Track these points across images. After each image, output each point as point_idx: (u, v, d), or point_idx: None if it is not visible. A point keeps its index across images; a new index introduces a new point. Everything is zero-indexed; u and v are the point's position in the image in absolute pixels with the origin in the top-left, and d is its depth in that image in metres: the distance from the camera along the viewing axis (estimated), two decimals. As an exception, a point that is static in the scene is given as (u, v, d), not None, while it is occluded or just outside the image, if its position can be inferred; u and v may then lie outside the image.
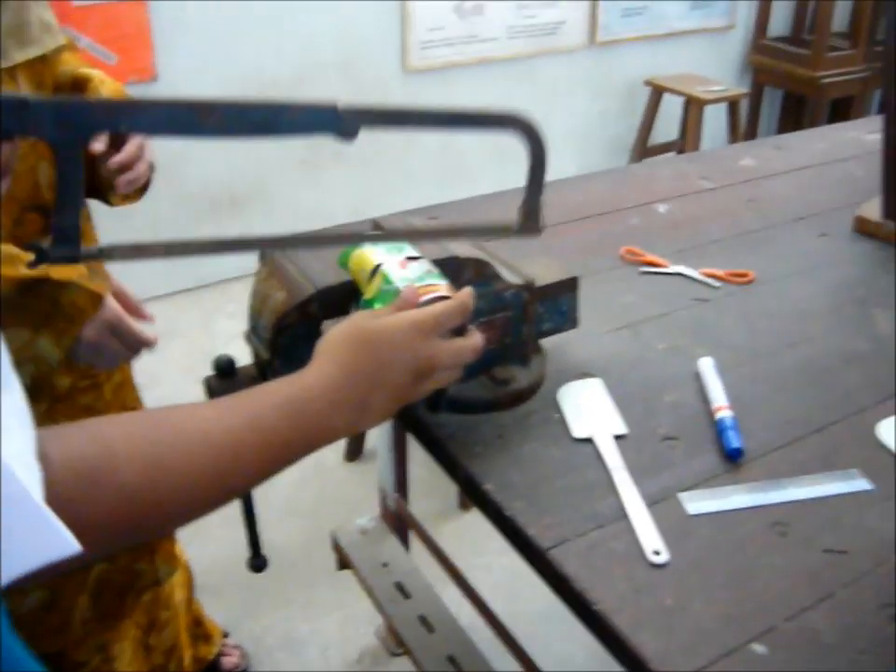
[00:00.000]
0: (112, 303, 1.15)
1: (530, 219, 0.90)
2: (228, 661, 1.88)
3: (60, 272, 1.09)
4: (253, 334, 0.99)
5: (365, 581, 1.75)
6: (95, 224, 1.38)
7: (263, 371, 0.96)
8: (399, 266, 0.92)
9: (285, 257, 0.99)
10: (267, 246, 1.00)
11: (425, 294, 0.88)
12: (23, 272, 1.05)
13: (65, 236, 0.66)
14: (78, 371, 1.28)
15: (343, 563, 1.86)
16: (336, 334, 0.82)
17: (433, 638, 1.62)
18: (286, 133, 0.75)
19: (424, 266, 0.93)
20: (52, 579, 1.34)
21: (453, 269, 0.98)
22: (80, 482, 0.61)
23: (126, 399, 1.40)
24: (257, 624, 2.05)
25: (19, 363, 0.51)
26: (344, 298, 0.94)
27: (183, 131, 0.70)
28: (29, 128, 0.60)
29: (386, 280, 0.91)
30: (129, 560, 1.44)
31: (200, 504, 0.70)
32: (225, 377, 0.95)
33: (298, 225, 1.88)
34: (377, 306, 0.91)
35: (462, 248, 1.02)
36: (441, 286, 0.90)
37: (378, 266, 0.92)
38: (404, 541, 1.90)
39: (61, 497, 0.56)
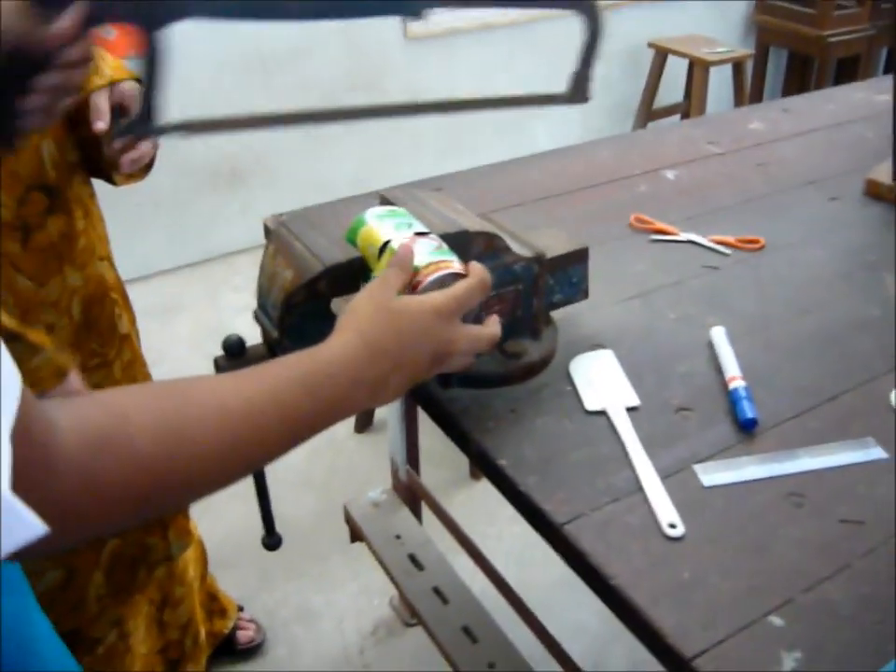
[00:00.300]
0: (74, 380, 1.13)
1: (579, 89, 0.97)
2: (243, 635, 1.89)
3: (36, 335, 1.07)
4: (261, 312, 0.99)
5: (378, 553, 1.76)
6: (98, 195, 1.37)
7: (273, 349, 0.96)
8: (409, 242, 0.91)
9: (291, 234, 0.98)
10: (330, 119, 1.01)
11: (436, 271, 0.87)
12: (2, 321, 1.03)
13: (148, 114, 0.76)
14: (88, 350, 1.28)
15: (356, 535, 1.87)
16: (362, 308, 0.82)
17: (447, 610, 1.63)
18: (357, 14, 0.84)
19: (433, 242, 0.92)
20: (67, 557, 1.35)
21: (462, 243, 0.97)
22: (92, 449, 0.59)
23: (136, 376, 1.40)
24: (271, 598, 2.06)
25: None
26: (353, 275, 0.94)
27: (261, 15, 0.79)
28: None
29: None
30: (140, 534, 1.45)
31: (216, 476, 0.69)
32: (234, 357, 0.95)
33: (300, 196, 1.87)
34: (387, 283, 0.90)
35: (471, 222, 1.01)
36: (453, 262, 0.89)
37: (387, 243, 0.91)
38: (416, 513, 1.91)
39: (72, 464, 0.57)
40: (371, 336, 0.79)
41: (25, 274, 1.17)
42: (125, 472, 0.61)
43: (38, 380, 1.06)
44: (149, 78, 0.81)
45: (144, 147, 1.20)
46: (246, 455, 0.70)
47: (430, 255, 0.89)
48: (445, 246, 0.92)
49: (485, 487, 2.26)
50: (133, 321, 1.40)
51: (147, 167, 1.29)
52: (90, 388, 1.29)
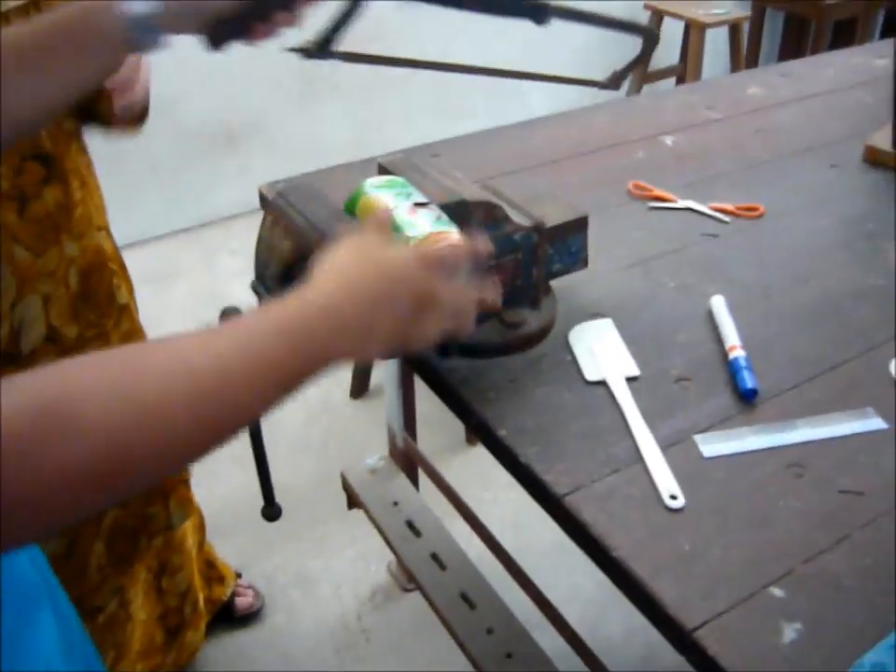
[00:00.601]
0: None
1: (616, 81, 1.24)
2: (242, 601, 1.90)
3: None
4: (259, 283, 0.98)
5: (376, 520, 1.76)
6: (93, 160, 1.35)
7: (272, 321, 0.95)
8: (409, 213, 0.90)
9: (289, 204, 0.97)
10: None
11: (436, 242, 0.86)
12: None
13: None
14: (85, 321, 1.27)
15: (353, 502, 1.88)
16: (342, 254, 0.76)
17: (445, 576, 1.64)
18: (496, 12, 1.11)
19: (433, 212, 0.91)
20: (68, 531, 1.35)
21: (462, 213, 0.96)
22: (35, 431, 0.52)
23: None
24: (269, 563, 2.07)
25: None
26: (353, 246, 0.93)
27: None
28: None
29: (396, 228, 0.89)
30: (141, 504, 1.45)
31: (191, 443, 0.62)
32: (233, 328, 0.94)
33: (297, 160, 1.86)
34: (387, 254, 0.89)
35: (471, 192, 1.00)
36: (452, 233, 0.89)
37: (387, 213, 0.90)
38: (413, 480, 1.91)
39: (12, 453, 0.51)
40: (352, 281, 0.73)
41: (22, 245, 1.16)
42: (79, 451, 0.54)
43: None
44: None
45: (137, 90, 1.19)
46: (222, 416, 0.63)
47: (430, 226, 0.88)
48: (445, 217, 0.92)
49: (481, 452, 2.26)
50: (131, 291, 1.39)
51: (142, 117, 1.27)
52: None
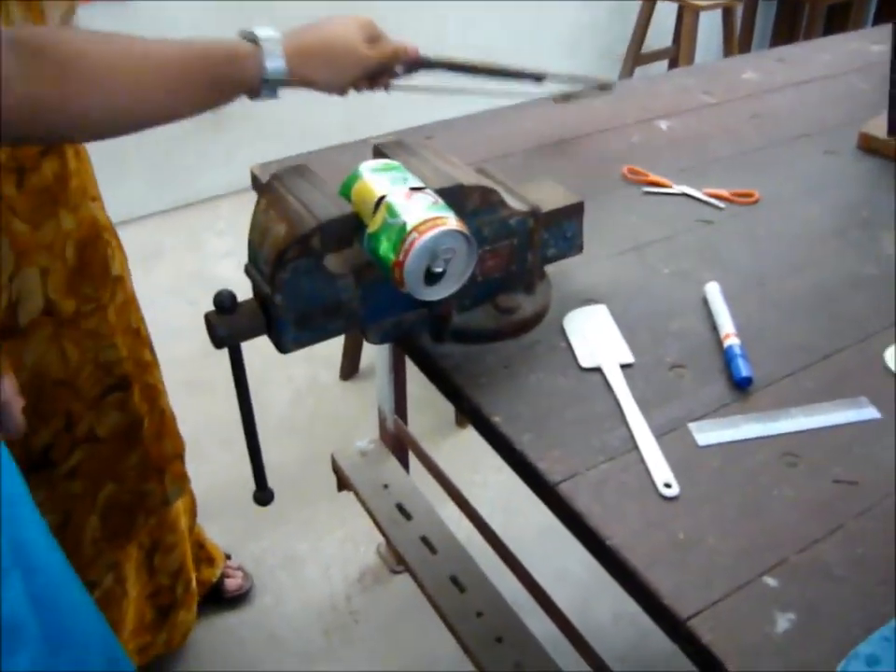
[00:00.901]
0: (5, 385, 1.05)
1: (605, 87, 1.56)
2: (231, 583, 1.90)
3: None
4: (253, 267, 0.97)
5: (366, 503, 1.76)
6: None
7: (265, 305, 0.94)
8: (405, 197, 0.89)
9: (284, 187, 0.96)
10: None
11: (433, 228, 0.86)
12: None
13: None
14: (82, 296, 1.26)
15: (344, 485, 1.87)
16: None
17: (435, 559, 1.64)
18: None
19: (429, 197, 0.90)
20: (63, 502, 1.34)
21: (458, 197, 0.95)
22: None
23: (130, 319, 1.38)
24: (257, 545, 2.07)
25: None
26: (348, 231, 0.92)
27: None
28: None
29: (392, 212, 0.88)
30: (137, 481, 1.45)
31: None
32: (225, 312, 0.93)
33: (288, 143, 1.84)
34: (383, 239, 0.88)
35: (467, 176, 0.99)
36: (449, 218, 0.88)
37: (382, 198, 0.90)
38: (404, 463, 1.91)
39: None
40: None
41: (20, 217, 1.15)
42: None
43: None
44: None
45: None
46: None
47: (426, 210, 0.87)
48: (441, 202, 0.91)
49: (470, 435, 2.27)
50: (124, 262, 1.38)
51: None
52: (84, 335, 1.27)
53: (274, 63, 0.97)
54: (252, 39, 0.97)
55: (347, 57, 1.03)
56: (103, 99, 0.86)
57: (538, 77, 1.42)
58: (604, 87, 1.55)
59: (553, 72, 1.45)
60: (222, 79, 0.95)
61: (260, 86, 0.98)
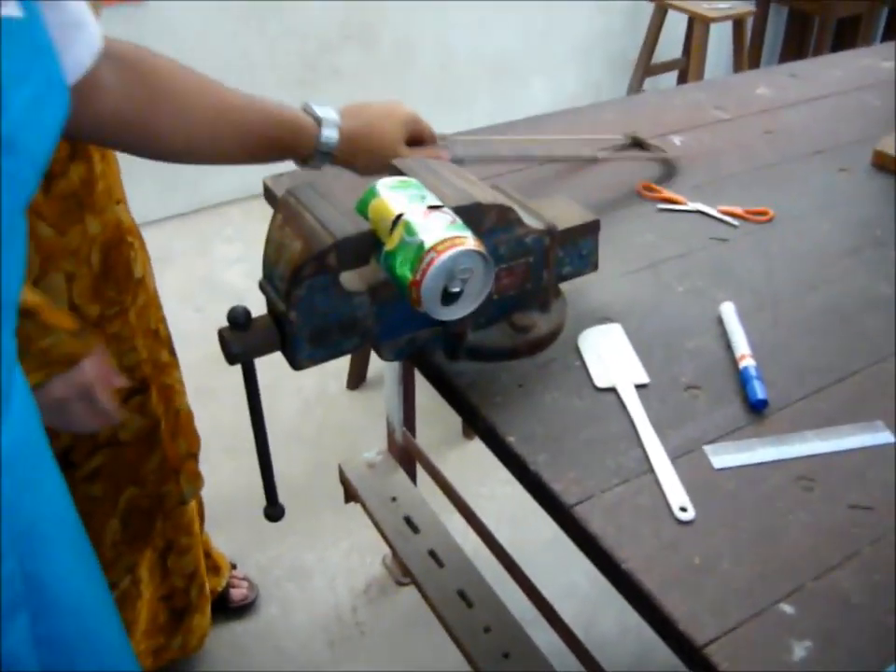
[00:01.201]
0: (88, 368, 1.08)
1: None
2: (237, 593, 1.90)
3: (53, 315, 1.03)
4: (268, 283, 0.96)
5: (373, 515, 1.76)
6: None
7: (279, 321, 0.94)
8: (422, 216, 0.89)
9: (300, 204, 0.96)
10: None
11: (451, 248, 0.85)
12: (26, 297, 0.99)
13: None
14: (106, 300, 1.26)
15: (351, 496, 1.87)
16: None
17: (443, 573, 1.63)
18: None
19: (447, 216, 0.90)
20: (83, 505, 1.34)
21: (475, 215, 0.95)
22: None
23: (150, 320, 1.38)
24: (263, 555, 2.06)
25: None
26: (364, 249, 0.92)
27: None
28: None
29: (409, 231, 0.88)
30: (156, 484, 1.44)
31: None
32: (239, 328, 0.93)
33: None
34: (400, 258, 0.88)
35: (484, 194, 0.99)
36: (467, 237, 0.88)
37: (400, 216, 0.89)
38: (411, 474, 1.91)
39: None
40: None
41: (47, 222, 1.15)
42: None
43: (45, 362, 1.03)
44: None
45: None
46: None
47: (445, 230, 0.87)
48: (459, 221, 0.90)
49: (477, 447, 2.26)
50: (147, 262, 1.38)
51: None
52: (107, 339, 1.27)
53: (330, 142, 1.07)
54: (313, 115, 1.08)
55: (385, 152, 1.10)
56: (186, 130, 0.96)
57: (591, 159, 1.47)
58: (667, 162, 1.54)
59: (607, 155, 1.48)
60: (282, 144, 1.05)
61: (311, 157, 1.08)
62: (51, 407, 1.06)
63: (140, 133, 0.95)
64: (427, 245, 0.86)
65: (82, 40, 0.84)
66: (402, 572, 1.94)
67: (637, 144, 1.55)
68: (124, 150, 1.00)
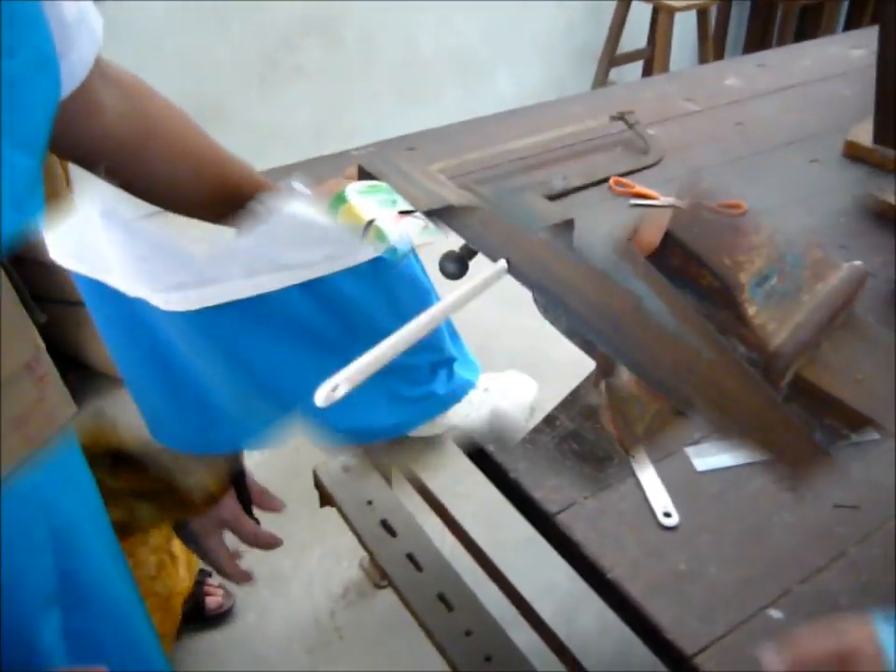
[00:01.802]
0: (229, 503, 1.09)
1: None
2: (212, 601, 1.87)
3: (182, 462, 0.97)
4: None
5: (350, 520, 1.73)
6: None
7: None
8: (394, 222, 0.87)
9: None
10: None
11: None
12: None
13: None
14: None
15: (326, 500, 1.84)
16: None
17: (422, 577, 1.61)
18: None
19: (419, 221, 0.88)
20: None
21: (447, 219, 0.93)
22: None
23: None
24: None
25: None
26: (336, 255, 0.89)
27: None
28: None
29: (381, 236, 0.86)
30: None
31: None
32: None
33: (259, 144, 1.81)
34: (371, 265, 0.86)
35: (456, 195, 0.97)
36: (438, 242, 0.85)
37: (371, 221, 0.87)
38: (386, 476, 1.88)
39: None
40: None
41: None
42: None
43: (186, 506, 1.02)
44: None
45: None
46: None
47: (418, 237, 0.85)
48: (432, 226, 0.88)
49: (452, 445, 2.24)
50: None
51: None
52: None
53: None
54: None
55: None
56: (169, 175, 0.93)
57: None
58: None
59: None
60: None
61: None
62: (195, 543, 1.12)
63: (134, 164, 0.92)
64: (399, 252, 0.84)
65: (86, 36, 0.79)
66: (380, 575, 1.92)
67: (622, 119, 1.55)
68: (112, 178, 0.98)
